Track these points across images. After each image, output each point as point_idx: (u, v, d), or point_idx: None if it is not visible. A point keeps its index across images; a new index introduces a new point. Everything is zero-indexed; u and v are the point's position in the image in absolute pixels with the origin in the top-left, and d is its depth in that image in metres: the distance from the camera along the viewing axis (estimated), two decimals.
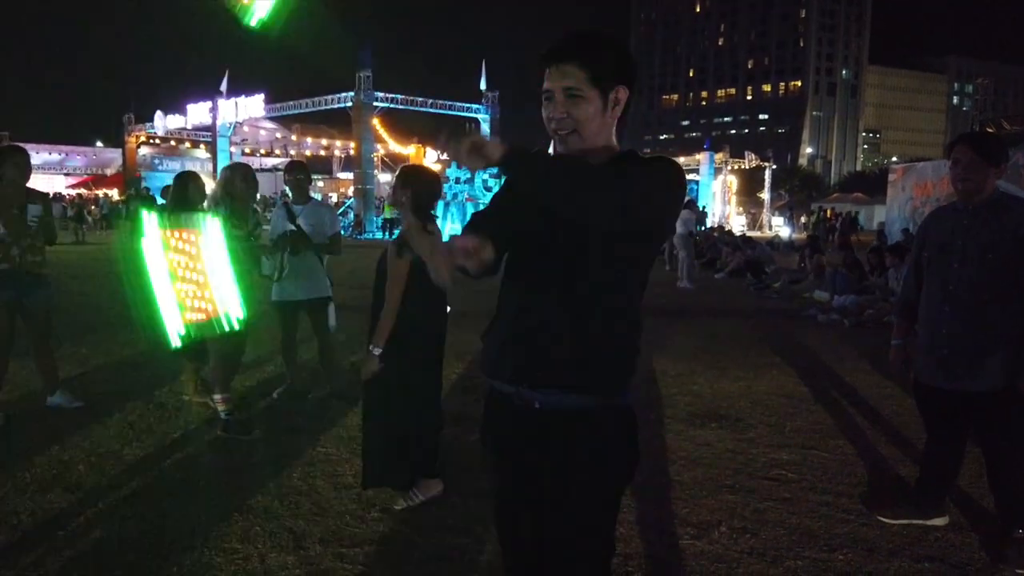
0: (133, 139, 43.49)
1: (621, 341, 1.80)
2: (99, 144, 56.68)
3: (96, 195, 39.59)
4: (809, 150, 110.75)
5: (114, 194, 40.40)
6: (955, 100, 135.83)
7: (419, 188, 3.50)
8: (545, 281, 1.78)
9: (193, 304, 4.15)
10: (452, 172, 25.43)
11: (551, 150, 1.85)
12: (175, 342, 4.08)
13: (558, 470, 1.79)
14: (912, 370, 3.48)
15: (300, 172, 5.37)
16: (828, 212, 37.50)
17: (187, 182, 4.81)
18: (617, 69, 1.75)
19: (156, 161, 45.93)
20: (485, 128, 33.17)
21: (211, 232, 4.26)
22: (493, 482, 2.00)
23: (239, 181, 4.89)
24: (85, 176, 48.80)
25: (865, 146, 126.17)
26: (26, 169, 4.76)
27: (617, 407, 1.81)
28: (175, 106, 39.14)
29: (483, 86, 33.17)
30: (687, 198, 16.69)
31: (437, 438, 3.77)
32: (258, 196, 4.88)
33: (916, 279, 3.46)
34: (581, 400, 1.75)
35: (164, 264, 4.07)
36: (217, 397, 4.64)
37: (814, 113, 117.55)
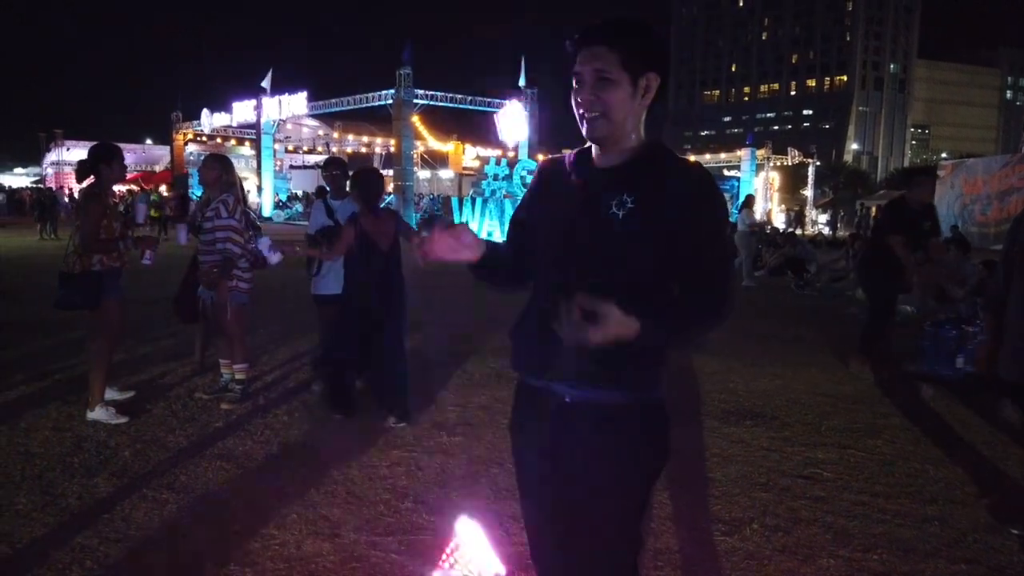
0: (181, 136, 44.43)
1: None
2: (148, 142, 58.07)
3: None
4: (855, 146, 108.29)
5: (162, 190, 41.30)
6: (1008, 94, 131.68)
7: (364, 185, 4.71)
8: (573, 277, 1.76)
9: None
10: (490, 169, 25.47)
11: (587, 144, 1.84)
12: None
13: (587, 464, 1.78)
14: (996, 367, 3.36)
15: (337, 168, 5.45)
16: (873, 209, 36.64)
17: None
18: (648, 54, 1.73)
19: (203, 158, 46.79)
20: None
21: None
22: (520, 473, 1.99)
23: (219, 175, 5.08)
24: (135, 173, 49.99)
25: (913, 142, 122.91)
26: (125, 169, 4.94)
27: (647, 402, 1.80)
28: (221, 104, 39.93)
29: (522, 82, 33.13)
30: (747, 195, 16.31)
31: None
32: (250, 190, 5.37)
33: (1006, 275, 3.37)
34: (611, 395, 1.75)
35: None
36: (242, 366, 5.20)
37: (860, 108, 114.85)
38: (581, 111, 1.75)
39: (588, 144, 1.84)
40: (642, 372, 1.78)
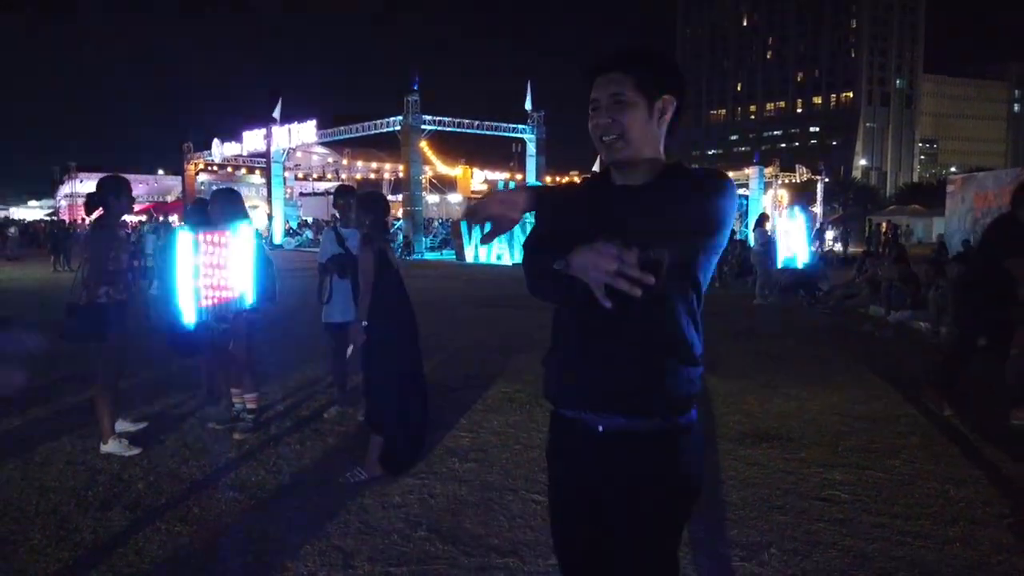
0: (192, 167, 44.91)
1: (683, 362, 1.76)
2: (160, 172, 58.80)
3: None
4: (863, 162, 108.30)
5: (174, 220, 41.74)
6: (1016, 108, 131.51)
7: (376, 208, 4.48)
8: (603, 307, 1.70)
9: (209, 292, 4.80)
10: None
11: (596, 166, 1.85)
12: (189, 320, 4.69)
13: (623, 492, 1.77)
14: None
15: (349, 196, 5.49)
16: (883, 225, 36.47)
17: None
18: (663, 78, 1.77)
19: (214, 187, 47.30)
20: (531, 148, 33.32)
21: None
22: (555, 501, 1.95)
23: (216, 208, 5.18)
24: (147, 203, 50.52)
25: (922, 156, 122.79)
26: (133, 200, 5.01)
27: (681, 427, 1.78)
28: (231, 134, 40.37)
29: (528, 106, 33.35)
30: (760, 213, 16.25)
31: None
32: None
33: None
34: (644, 424, 1.74)
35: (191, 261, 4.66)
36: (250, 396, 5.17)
37: (867, 124, 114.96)
38: (599, 135, 1.77)
39: (597, 171, 1.86)
40: (674, 400, 1.76)
